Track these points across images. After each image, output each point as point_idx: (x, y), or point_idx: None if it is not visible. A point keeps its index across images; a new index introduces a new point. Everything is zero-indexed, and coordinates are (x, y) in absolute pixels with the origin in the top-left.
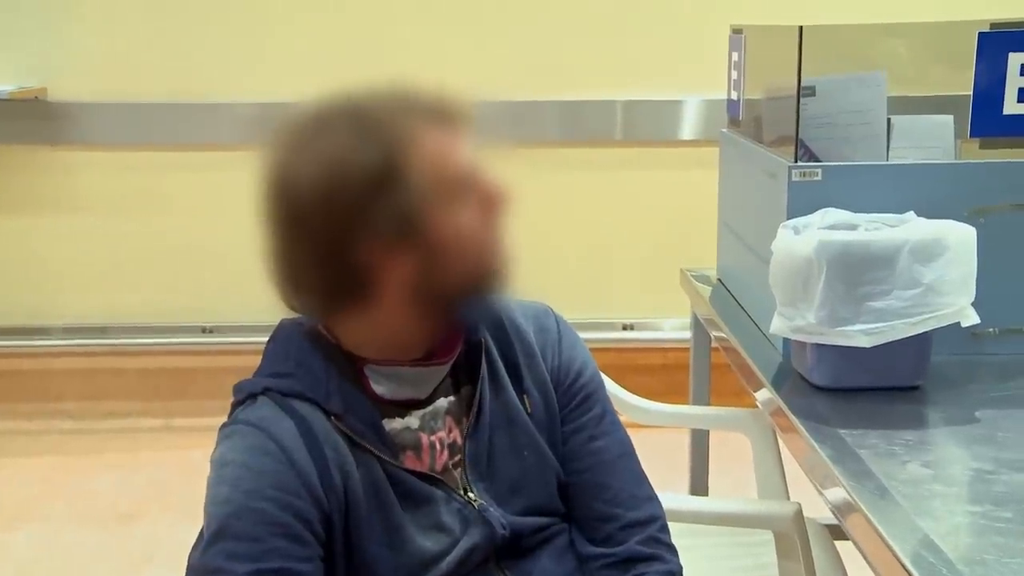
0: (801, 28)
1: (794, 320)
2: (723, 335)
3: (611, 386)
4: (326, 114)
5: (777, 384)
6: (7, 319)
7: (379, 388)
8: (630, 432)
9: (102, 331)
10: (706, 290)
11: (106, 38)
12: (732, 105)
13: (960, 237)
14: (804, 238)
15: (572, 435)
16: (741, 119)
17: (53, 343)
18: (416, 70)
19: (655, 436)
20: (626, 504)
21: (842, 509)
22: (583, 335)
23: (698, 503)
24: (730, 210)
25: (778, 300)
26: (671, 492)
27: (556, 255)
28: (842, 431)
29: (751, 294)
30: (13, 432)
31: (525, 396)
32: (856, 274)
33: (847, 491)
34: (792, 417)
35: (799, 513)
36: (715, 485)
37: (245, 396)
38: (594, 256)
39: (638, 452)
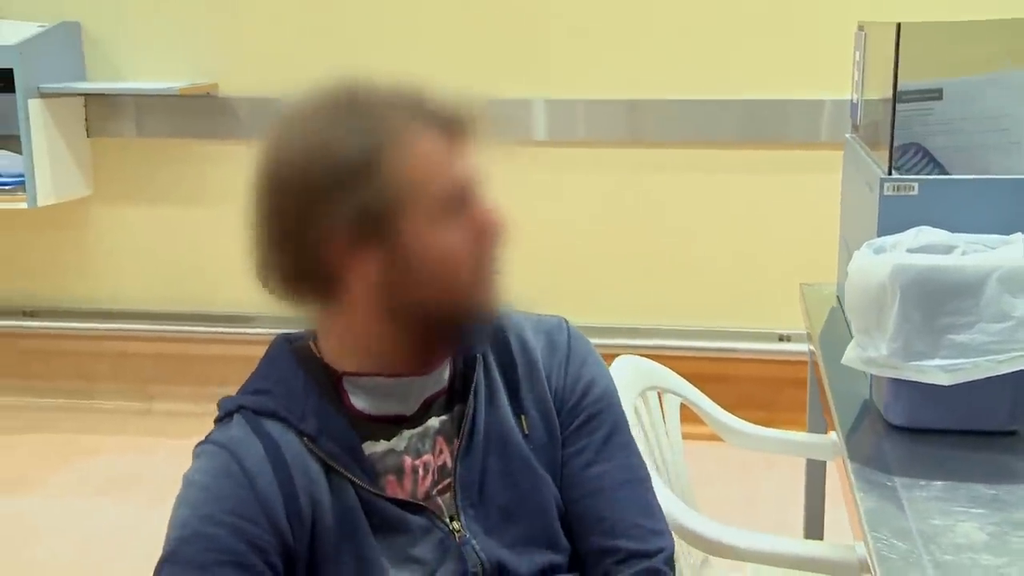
0: (899, 25)
1: (867, 351)
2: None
3: (700, 400)
4: (325, 99)
5: (857, 419)
6: (175, 306)
7: (359, 403)
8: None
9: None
10: (820, 308)
11: (276, 34)
12: (853, 108)
13: None
14: (881, 260)
15: (570, 459)
16: (860, 123)
17: (215, 330)
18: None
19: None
20: (628, 535)
21: (864, 569)
22: (730, 344)
23: (750, 541)
24: (846, 223)
25: (853, 328)
26: (741, 528)
27: (708, 259)
28: (899, 478)
29: None
30: (175, 413)
31: (522, 416)
32: (935, 303)
33: (868, 550)
34: (845, 455)
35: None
36: (833, 518)
37: (224, 414)
38: (749, 262)
39: (762, 475)
